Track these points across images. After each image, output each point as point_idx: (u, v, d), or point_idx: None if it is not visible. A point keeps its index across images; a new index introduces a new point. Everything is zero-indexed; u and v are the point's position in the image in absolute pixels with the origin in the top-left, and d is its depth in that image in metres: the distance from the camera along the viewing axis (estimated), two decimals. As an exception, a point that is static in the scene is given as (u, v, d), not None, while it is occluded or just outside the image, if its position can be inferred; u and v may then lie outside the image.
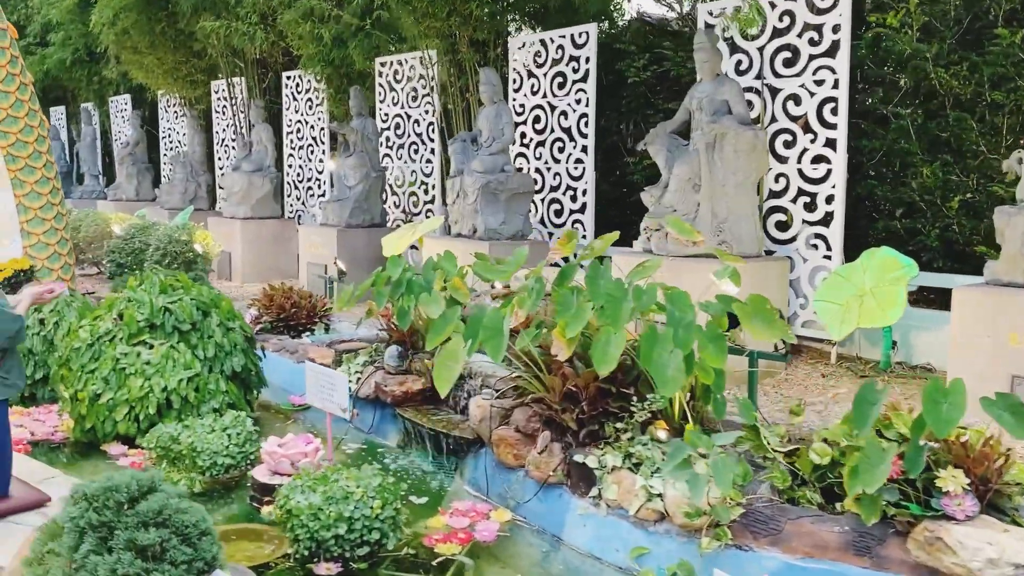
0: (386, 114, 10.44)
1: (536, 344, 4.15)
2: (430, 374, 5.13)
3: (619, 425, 3.85)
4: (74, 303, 5.86)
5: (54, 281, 7.27)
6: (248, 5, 10.28)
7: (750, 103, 6.30)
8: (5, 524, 3.22)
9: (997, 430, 3.23)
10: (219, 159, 13.67)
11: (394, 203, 10.48)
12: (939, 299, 6.64)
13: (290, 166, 12.19)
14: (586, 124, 8.10)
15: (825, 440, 3.53)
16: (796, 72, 6.30)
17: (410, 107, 10.10)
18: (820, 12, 6.13)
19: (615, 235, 4.46)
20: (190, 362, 4.94)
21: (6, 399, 3.41)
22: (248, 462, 4.47)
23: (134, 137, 15.22)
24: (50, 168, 8.01)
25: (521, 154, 8.82)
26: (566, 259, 8.15)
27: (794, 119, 6.35)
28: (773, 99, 6.44)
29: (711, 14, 6.74)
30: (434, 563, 3.57)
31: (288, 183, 12.22)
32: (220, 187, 13.53)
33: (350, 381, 5.29)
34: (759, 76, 6.51)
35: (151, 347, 4.98)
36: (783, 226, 6.47)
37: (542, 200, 8.62)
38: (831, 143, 6.13)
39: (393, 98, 10.33)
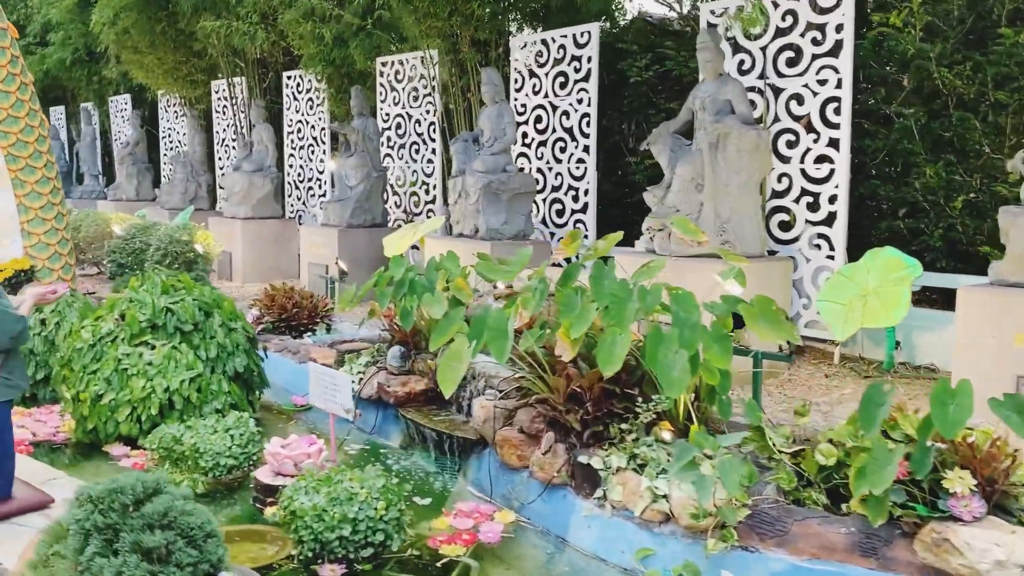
0: (387, 114, 10.43)
1: (540, 345, 4.14)
2: (433, 374, 5.13)
3: (624, 426, 3.84)
4: (75, 303, 5.84)
5: (56, 282, 7.26)
6: (249, 5, 10.26)
7: (753, 103, 6.29)
8: (8, 526, 3.21)
9: (1004, 431, 3.23)
10: (219, 159, 13.66)
11: (395, 203, 10.47)
12: (942, 299, 6.63)
13: (291, 166, 12.17)
14: (588, 124, 8.09)
15: (830, 441, 3.53)
16: (799, 72, 6.29)
17: (411, 107, 10.09)
18: (823, 11, 6.12)
19: (619, 235, 4.45)
20: (192, 363, 4.92)
21: (9, 400, 3.40)
22: (251, 463, 4.45)
23: (134, 137, 15.20)
24: (51, 168, 7.99)
25: (523, 154, 8.80)
26: (568, 259, 8.16)
27: (797, 119, 6.34)
28: (776, 99, 6.43)
29: (713, 13, 6.73)
30: (438, 564, 3.56)
31: (289, 183, 12.21)
32: (220, 187, 13.51)
33: (353, 382, 5.27)
34: (762, 76, 6.50)
35: (153, 348, 4.97)
36: (786, 226, 6.46)
37: (544, 200, 8.61)
38: (834, 143, 6.12)
39: (394, 98, 10.32)
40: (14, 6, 16.82)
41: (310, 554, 3.45)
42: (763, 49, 6.48)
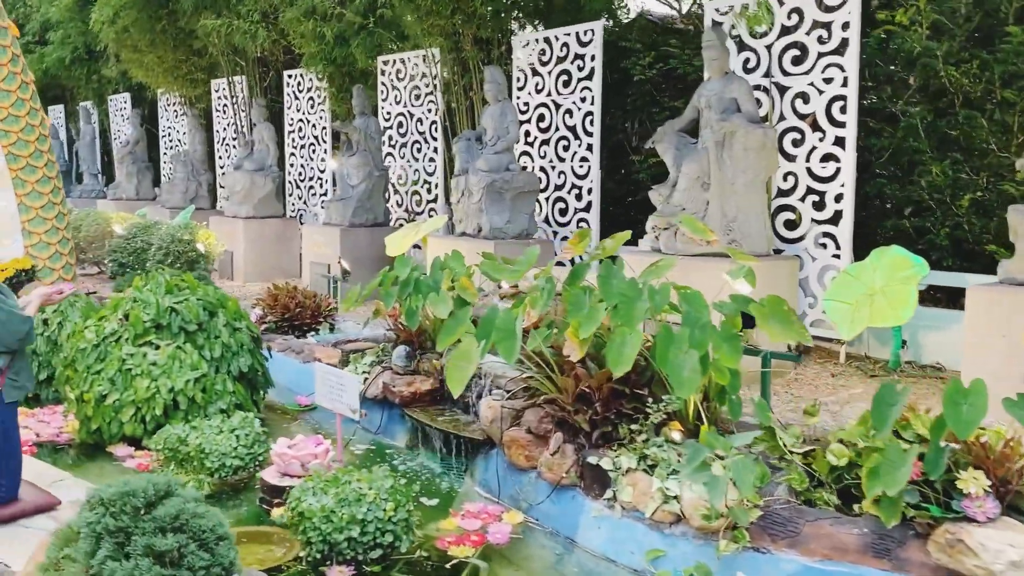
0: (388, 113, 10.40)
1: (548, 344, 4.12)
2: (438, 374, 5.12)
3: (633, 427, 3.82)
4: (77, 303, 5.82)
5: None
6: (249, 3, 10.22)
7: (758, 101, 6.26)
8: (15, 528, 3.18)
9: (1017, 431, 3.21)
10: (220, 158, 13.62)
11: (397, 202, 10.44)
12: (947, 298, 6.62)
13: (292, 165, 12.14)
14: (591, 122, 8.06)
15: (841, 441, 3.51)
16: (805, 70, 6.26)
17: (413, 106, 10.05)
18: (829, 10, 6.09)
19: (626, 234, 4.43)
20: (197, 363, 4.90)
21: (15, 401, 3.38)
22: (256, 463, 4.43)
23: (134, 136, 15.15)
24: (51, 167, 7.96)
25: (525, 152, 8.78)
26: (572, 260, 8.14)
27: (802, 117, 6.31)
28: (781, 97, 6.41)
29: (718, 11, 6.70)
30: (447, 566, 3.54)
31: (290, 182, 12.18)
32: (221, 186, 13.47)
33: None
34: (767, 74, 6.48)
35: (157, 348, 4.95)
36: (791, 225, 6.44)
37: (547, 199, 8.58)
38: (840, 141, 6.10)
39: (396, 97, 10.29)
40: (13, 5, 16.76)
41: (318, 555, 3.43)
42: (768, 47, 6.46)
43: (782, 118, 6.40)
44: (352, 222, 9.40)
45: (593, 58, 7.99)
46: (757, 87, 6.40)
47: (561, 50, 8.28)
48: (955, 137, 6.45)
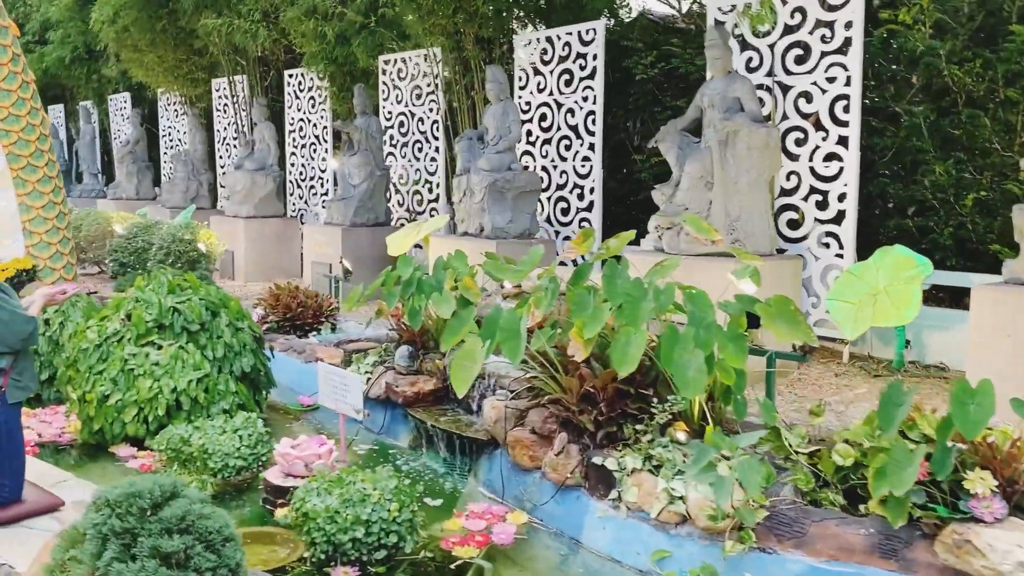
0: (390, 112, 10.38)
1: (551, 344, 4.11)
2: (441, 374, 5.10)
3: (639, 427, 3.80)
4: (79, 303, 5.80)
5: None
6: (250, 2, 10.21)
7: (760, 101, 6.25)
8: (19, 529, 3.17)
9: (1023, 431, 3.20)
10: (220, 158, 13.60)
11: (398, 202, 10.43)
12: (950, 298, 6.61)
13: (292, 165, 12.12)
14: (593, 122, 8.05)
15: (846, 441, 3.50)
16: (808, 69, 6.25)
17: (414, 105, 10.04)
18: (832, 9, 6.08)
19: (631, 234, 4.42)
20: (199, 363, 4.89)
21: (19, 401, 3.36)
22: (260, 464, 4.42)
23: (134, 135, 15.13)
24: (52, 167, 7.95)
25: (527, 152, 8.76)
26: (574, 260, 8.13)
27: (805, 116, 6.30)
28: (784, 96, 6.39)
29: (721, 10, 6.69)
30: (452, 567, 3.52)
31: (291, 182, 12.16)
32: (222, 186, 13.45)
33: (360, 382, 5.23)
34: (770, 73, 6.46)
35: (160, 348, 4.93)
36: (794, 224, 6.43)
37: (548, 198, 8.57)
38: (843, 141, 6.09)
39: (397, 96, 10.27)
40: (13, 4, 16.74)
41: (323, 556, 3.42)
42: (771, 47, 6.45)
43: (785, 117, 6.39)
44: (353, 221, 9.39)
45: (595, 57, 7.97)
46: (760, 86, 6.39)
47: (563, 49, 8.27)
48: (958, 136, 6.44)
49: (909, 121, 6.61)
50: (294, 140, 12.02)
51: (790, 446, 3.58)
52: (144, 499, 2.23)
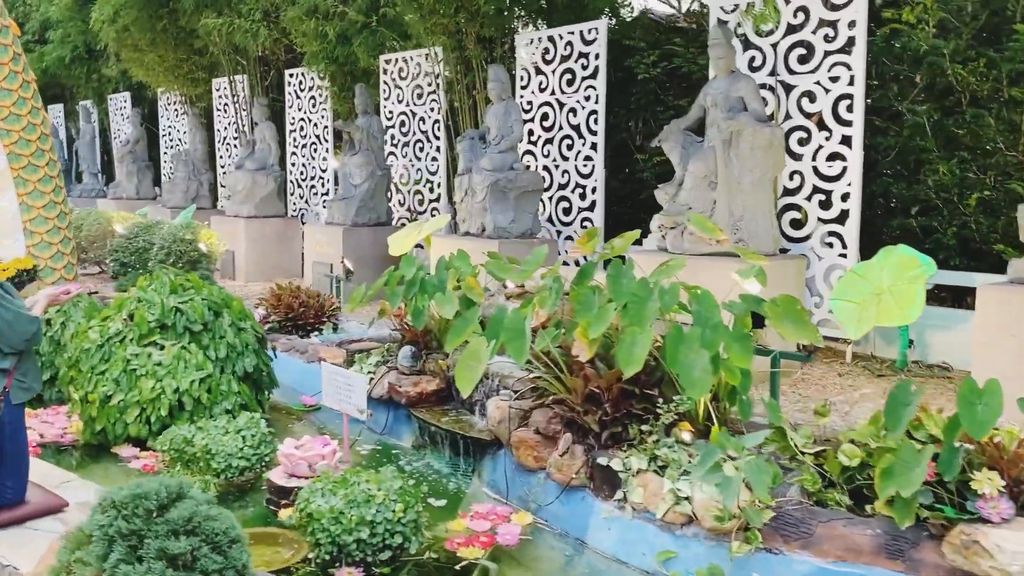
0: (391, 112, 10.37)
1: (556, 344, 4.10)
2: (445, 374, 5.09)
3: (644, 427, 3.79)
4: (80, 303, 5.78)
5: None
6: (251, 2, 10.19)
7: (764, 100, 6.23)
8: (23, 530, 3.16)
9: (1032, 431, 3.19)
10: (221, 157, 13.58)
11: (399, 201, 10.41)
12: (952, 297, 6.60)
13: (293, 164, 12.11)
14: (595, 121, 8.04)
15: (852, 441, 3.48)
16: (811, 69, 6.24)
17: (415, 105, 10.03)
18: (835, 8, 6.07)
19: (635, 234, 4.41)
20: (202, 363, 4.87)
21: (23, 402, 3.35)
22: (263, 464, 4.40)
23: (134, 135, 15.11)
24: (53, 166, 7.93)
25: (529, 152, 8.75)
26: (576, 260, 8.12)
27: (808, 116, 6.29)
28: (787, 96, 6.38)
29: (724, 10, 6.68)
30: (457, 567, 3.51)
31: (291, 182, 12.14)
32: (222, 185, 13.44)
33: (363, 382, 5.21)
34: (773, 73, 6.45)
35: (162, 348, 4.92)
36: (798, 224, 6.41)
37: (550, 198, 8.55)
38: (847, 140, 6.08)
39: (398, 95, 10.26)
40: (13, 3, 16.71)
41: (327, 557, 3.40)
42: (774, 46, 6.43)
43: (788, 117, 6.37)
44: (355, 221, 9.38)
45: (597, 56, 7.96)
46: (763, 86, 6.38)
47: (565, 49, 8.26)
48: (962, 136, 6.43)
49: (912, 120, 6.60)
50: (295, 140, 12.00)
51: (796, 446, 3.57)
52: (150, 500, 2.21)
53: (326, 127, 11.37)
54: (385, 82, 10.39)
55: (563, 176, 8.43)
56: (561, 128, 8.39)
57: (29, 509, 3.25)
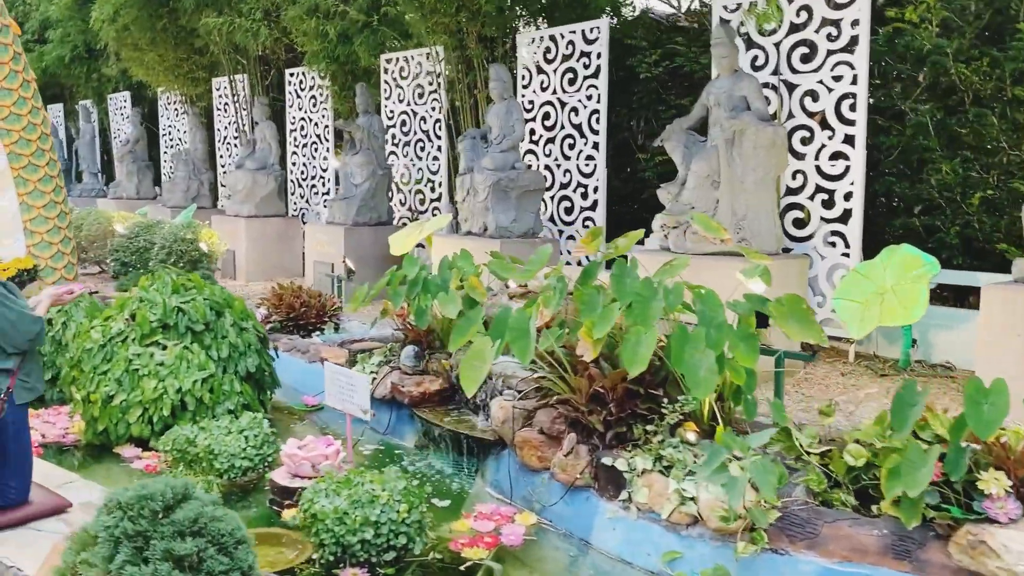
0: (391, 111, 10.35)
1: (560, 344, 4.08)
2: (448, 374, 5.08)
3: (649, 427, 3.78)
4: (82, 303, 5.77)
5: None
6: (251, 1, 10.17)
7: (766, 99, 6.22)
8: (26, 531, 3.14)
9: (1039, 431, 3.18)
10: (221, 157, 13.56)
11: (400, 201, 10.40)
12: (955, 297, 6.59)
13: (294, 164, 12.09)
14: (597, 120, 8.02)
15: (857, 441, 3.48)
16: (814, 68, 6.23)
17: (416, 104, 10.01)
18: (838, 7, 6.06)
19: (639, 233, 4.40)
20: (204, 363, 4.86)
21: (27, 402, 3.33)
22: (266, 464, 4.39)
23: (134, 135, 15.08)
24: (53, 166, 7.92)
25: (530, 151, 8.74)
26: (577, 259, 8.10)
27: (811, 115, 6.28)
28: (790, 95, 6.37)
29: (726, 9, 6.66)
30: (461, 568, 3.50)
31: (292, 181, 12.13)
32: (222, 185, 13.42)
33: (366, 382, 5.20)
34: (775, 72, 6.44)
35: (164, 348, 4.90)
36: (800, 223, 6.40)
37: (552, 197, 8.54)
38: (849, 139, 6.06)
39: (399, 95, 10.24)
40: (12, 3, 16.69)
41: (331, 558, 3.39)
42: (777, 45, 6.42)
43: (791, 116, 6.36)
44: (356, 221, 9.36)
45: (599, 56, 7.95)
46: (765, 85, 6.37)
47: (567, 48, 8.24)
48: (965, 135, 6.42)
49: (915, 120, 6.59)
50: (295, 139, 11.99)
51: (801, 446, 3.56)
52: (156, 501, 2.20)
53: (327, 126, 11.35)
54: (386, 81, 10.37)
55: (565, 176, 8.41)
56: (563, 127, 8.37)
57: (33, 510, 3.24)
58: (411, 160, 10.18)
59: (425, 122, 9.93)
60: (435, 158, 9.84)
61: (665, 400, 3.86)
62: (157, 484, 2.26)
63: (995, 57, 6.21)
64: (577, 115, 8.20)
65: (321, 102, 11.35)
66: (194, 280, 5.32)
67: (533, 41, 8.64)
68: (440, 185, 9.78)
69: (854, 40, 6.00)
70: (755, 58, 6.55)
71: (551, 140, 8.51)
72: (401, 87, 10.17)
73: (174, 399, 4.70)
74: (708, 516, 3.36)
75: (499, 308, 4.44)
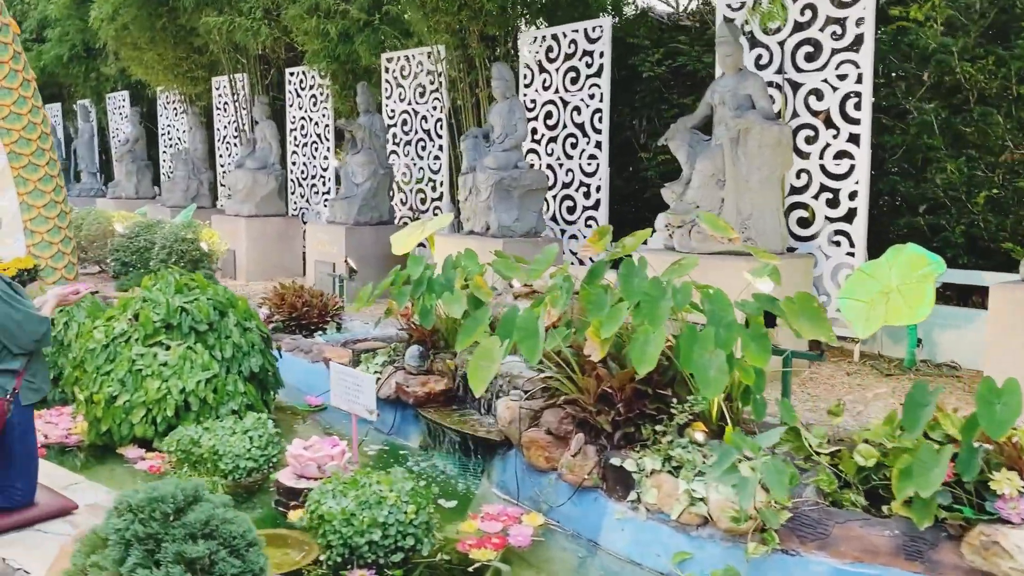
0: (392, 110, 10.32)
1: (567, 344, 4.06)
2: (453, 374, 5.06)
3: (658, 428, 3.76)
4: (83, 303, 5.73)
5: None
6: (252, 0, 10.13)
7: (771, 98, 6.20)
8: (32, 532, 3.12)
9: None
10: (220, 156, 13.53)
11: (401, 200, 10.37)
12: (958, 296, 6.57)
13: (294, 163, 12.06)
14: (600, 119, 8.00)
15: (867, 441, 3.46)
16: (818, 66, 6.21)
17: (417, 103, 9.98)
18: (843, 5, 6.04)
19: (646, 233, 4.38)
20: (208, 363, 4.83)
21: (32, 403, 3.30)
22: (270, 465, 4.37)
23: (133, 134, 15.04)
24: (54, 165, 7.88)
25: (532, 150, 8.71)
26: (580, 259, 8.08)
27: (816, 114, 6.26)
28: (794, 94, 6.35)
29: (730, 7, 6.64)
30: (469, 569, 3.48)
31: (292, 180, 12.09)
32: (222, 184, 13.38)
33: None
34: (780, 71, 6.42)
35: (168, 348, 4.88)
36: (805, 223, 6.38)
37: (554, 197, 8.52)
38: (854, 138, 6.04)
39: (400, 94, 10.21)
40: (10, 2, 16.64)
41: (339, 559, 3.37)
42: (781, 44, 6.40)
43: (795, 115, 6.34)
44: (357, 220, 9.33)
45: (602, 55, 7.92)
46: (770, 84, 6.34)
47: (569, 47, 8.22)
48: (970, 134, 6.40)
49: (920, 119, 6.57)
50: (295, 139, 11.95)
51: (810, 446, 3.54)
52: (167, 504, 2.18)
53: (327, 126, 11.32)
54: (387, 80, 10.34)
55: (567, 175, 8.39)
56: (565, 126, 8.35)
57: (38, 511, 3.21)
58: (412, 159, 10.15)
59: (426, 121, 9.90)
60: (436, 157, 9.82)
61: (674, 400, 3.84)
62: (168, 486, 2.24)
63: (1000, 55, 6.19)
64: (579, 114, 8.18)
65: (321, 101, 11.32)
66: (197, 280, 5.30)
67: (535, 40, 8.61)
68: (441, 184, 9.75)
69: (859, 39, 5.98)
70: (759, 57, 6.52)
71: (553, 139, 8.49)
72: (402, 86, 10.14)
73: (178, 399, 4.67)
74: (718, 517, 3.35)
75: (504, 308, 4.42)
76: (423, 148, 10.00)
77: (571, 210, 8.39)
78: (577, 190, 8.29)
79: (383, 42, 9.51)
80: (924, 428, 3.27)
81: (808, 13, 6.22)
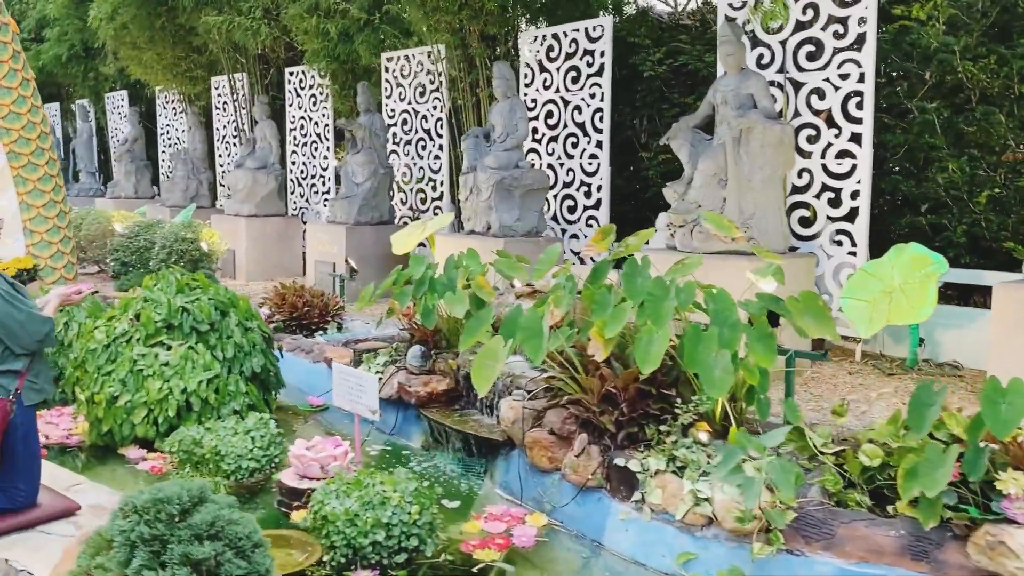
0: (392, 110, 10.31)
1: (570, 344, 4.05)
2: (455, 374, 5.05)
3: (662, 428, 3.75)
4: (84, 303, 5.71)
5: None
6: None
7: (772, 98, 6.19)
8: (35, 534, 3.10)
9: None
10: (220, 156, 13.51)
11: (401, 200, 10.36)
12: (959, 295, 6.57)
13: (294, 163, 12.04)
14: (601, 119, 7.99)
15: (871, 441, 3.45)
16: (820, 66, 6.20)
17: (418, 103, 9.97)
18: (845, 5, 6.03)
19: (650, 232, 4.37)
20: (209, 363, 4.82)
21: (35, 404, 3.29)
22: (272, 465, 4.36)
23: (132, 134, 15.01)
24: (53, 165, 7.87)
25: (533, 150, 8.70)
26: (581, 258, 8.07)
27: (817, 113, 6.25)
28: (796, 93, 6.34)
29: (732, 7, 6.63)
30: (473, 570, 3.47)
31: (292, 180, 12.08)
32: (222, 184, 13.36)
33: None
34: (781, 70, 6.41)
35: (169, 348, 4.86)
36: (806, 222, 6.38)
37: (555, 196, 8.51)
38: (856, 138, 6.04)
39: (400, 94, 10.20)
40: (8, 1, 16.60)
41: (342, 560, 3.36)
42: (783, 43, 6.39)
43: (797, 114, 6.33)
44: (357, 220, 9.32)
45: (603, 54, 7.91)
46: (771, 83, 6.33)
47: (570, 46, 8.21)
48: (972, 133, 6.40)
49: (922, 118, 6.57)
50: (295, 138, 11.94)
51: (815, 446, 3.53)
52: (172, 505, 2.17)
53: (327, 125, 11.30)
54: (387, 80, 10.33)
55: (568, 174, 8.38)
56: (566, 126, 8.34)
57: (41, 513, 3.20)
58: (413, 159, 10.14)
59: (426, 121, 9.89)
60: (436, 157, 9.80)
61: (678, 400, 3.83)
62: (173, 487, 2.22)
63: (1002, 55, 6.19)
64: (580, 114, 8.17)
65: (321, 101, 11.30)
66: (199, 280, 5.28)
67: (536, 39, 8.60)
68: (442, 184, 9.74)
69: (861, 38, 5.97)
70: (761, 56, 6.51)
71: (554, 139, 8.48)
72: (402, 86, 10.13)
73: (179, 400, 4.66)
74: (723, 517, 3.34)
75: (506, 308, 4.41)
76: (423, 148, 9.98)
77: (572, 210, 8.38)
78: (578, 190, 8.28)
79: (383, 41, 9.50)
80: (929, 428, 3.26)
81: (810, 12, 6.21)
